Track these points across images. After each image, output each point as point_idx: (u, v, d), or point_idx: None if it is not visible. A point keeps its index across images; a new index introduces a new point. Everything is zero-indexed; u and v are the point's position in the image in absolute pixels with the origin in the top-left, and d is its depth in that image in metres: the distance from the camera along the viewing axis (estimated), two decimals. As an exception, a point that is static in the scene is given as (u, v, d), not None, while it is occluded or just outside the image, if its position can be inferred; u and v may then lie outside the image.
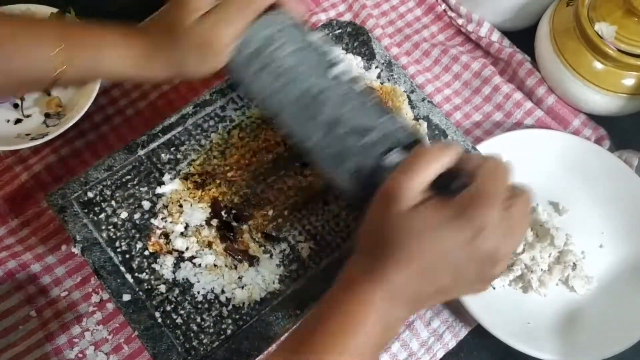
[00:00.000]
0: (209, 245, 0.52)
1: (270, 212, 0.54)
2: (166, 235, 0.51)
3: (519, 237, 0.39)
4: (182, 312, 0.50)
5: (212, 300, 0.50)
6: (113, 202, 0.53)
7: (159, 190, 0.53)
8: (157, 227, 0.52)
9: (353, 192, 0.45)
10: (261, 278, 0.51)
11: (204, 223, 0.52)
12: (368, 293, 0.37)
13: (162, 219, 0.52)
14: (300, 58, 0.46)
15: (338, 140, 0.44)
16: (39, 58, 0.45)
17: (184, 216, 0.52)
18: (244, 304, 0.50)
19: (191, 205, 0.53)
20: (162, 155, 0.55)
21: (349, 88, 0.46)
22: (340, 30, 0.61)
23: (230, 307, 0.50)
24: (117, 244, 0.51)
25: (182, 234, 0.52)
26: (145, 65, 0.47)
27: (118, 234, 0.52)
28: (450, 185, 0.39)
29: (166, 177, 0.54)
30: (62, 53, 0.44)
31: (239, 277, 0.51)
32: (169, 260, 0.51)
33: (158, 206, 0.53)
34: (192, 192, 0.53)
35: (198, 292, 0.50)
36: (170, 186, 0.53)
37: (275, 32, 0.46)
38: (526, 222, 0.40)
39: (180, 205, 0.53)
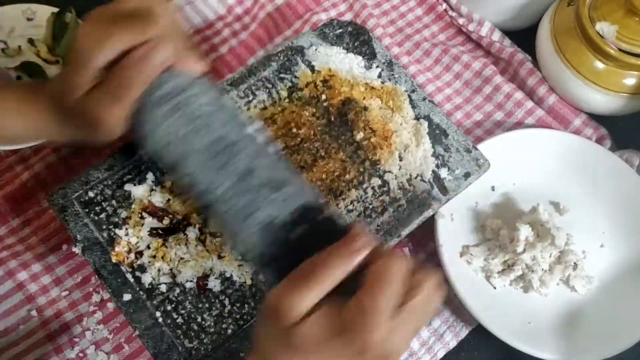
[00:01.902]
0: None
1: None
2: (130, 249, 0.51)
3: (417, 329, 0.38)
4: (182, 311, 0.50)
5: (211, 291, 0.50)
6: (114, 202, 0.53)
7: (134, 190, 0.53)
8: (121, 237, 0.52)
9: (259, 248, 0.40)
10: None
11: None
12: None
13: (126, 229, 0.52)
14: (216, 109, 0.43)
15: (249, 191, 0.41)
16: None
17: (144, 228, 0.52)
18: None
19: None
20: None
21: (264, 145, 0.44)
22: (341, 30, 0.61)
23: (230, 306, 0.50)
24: (118, 243, 0.51)
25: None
26: (46, 132, 0.47)
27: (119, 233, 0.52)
28: (357, 278, 0.36)
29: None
30: None
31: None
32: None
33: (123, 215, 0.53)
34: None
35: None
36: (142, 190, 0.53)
37: (189, 82, 0.43)
38: (426, 312, 0.37)
39: (142, 217, 0.52)
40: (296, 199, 0.41)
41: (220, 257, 0.51)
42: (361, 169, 0.55)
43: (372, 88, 0.59)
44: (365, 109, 0.57)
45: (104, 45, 0.40)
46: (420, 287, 0.36)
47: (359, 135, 0.56)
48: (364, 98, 0.58)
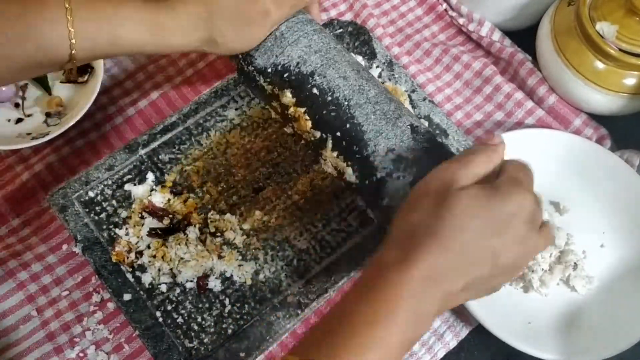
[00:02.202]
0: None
1: (272, 212, 0.54)
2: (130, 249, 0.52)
3: (538, 233, 0.40)
4: (182, 311, 0.50)
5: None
6: (114, 202, 0.53)
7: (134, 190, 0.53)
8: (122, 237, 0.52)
9: (407, 143, 0.45)
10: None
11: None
12: (400, 282, 0.36)
13: (126, 229, 0.52)
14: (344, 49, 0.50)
15: (391, 100, 0.46)
16: (53, 37, 0.43)
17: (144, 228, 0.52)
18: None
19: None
20: (163, 154, 0.55)
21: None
22: (341, 30, 0.61)
23: (230, 306, 0.50)
24: (118, 243, 0.51)
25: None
26: (168, 39, 0.46)
27: (119, 233, 0.52)
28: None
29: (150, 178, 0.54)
30: (76, 30, 0.43)
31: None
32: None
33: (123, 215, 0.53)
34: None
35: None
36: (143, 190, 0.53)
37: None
38: (541, 218, 0.41)
39: (142, 217, 0.53)
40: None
41: (220, 257, 0.51)
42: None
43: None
44: None
45: None
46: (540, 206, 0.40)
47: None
48: None
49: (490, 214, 0.37)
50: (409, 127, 0.45)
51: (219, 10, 0.46)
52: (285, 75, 0.48)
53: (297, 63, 0.48)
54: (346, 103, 0.46)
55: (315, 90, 0.47)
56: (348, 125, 0.46)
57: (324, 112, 0.47)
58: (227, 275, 0.51)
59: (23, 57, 0.43)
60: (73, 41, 0.43)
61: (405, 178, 0.44)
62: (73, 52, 0.44)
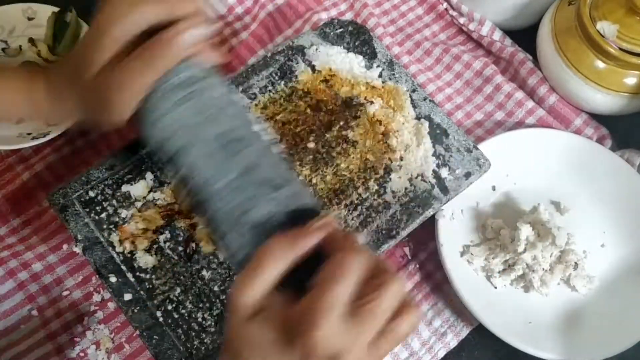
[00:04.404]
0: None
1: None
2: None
3: (371, 333, 0.33)
4: (183, 311, 0.50)
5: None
6: (114, 202, 0.53)
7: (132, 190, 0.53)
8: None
9: (247, 249, 0.38)
10: None
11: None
12: None
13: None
14: (226, 103, 0.43)
15: (248, 188, 0.40)
16: None
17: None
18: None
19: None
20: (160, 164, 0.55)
21: (268, 144, 0.43)
22: (341, 29, 0.61)
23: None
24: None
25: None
26: (49, 113, 0.45)
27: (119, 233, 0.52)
28: (321, 267, 0.34)
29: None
30: None
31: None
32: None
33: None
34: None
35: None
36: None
37: (203, 73, 0.42)
38: (384, 314, 0.33)
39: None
40: (293, 201, 0.40)
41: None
42: (362, 169, 0.55)
43: (373, 87, 0.59)
44: (367, 108, 0.57)
45: (127, 17, 0.38)
46: (381, 289, 0.32)
47: (360, 135, 0.56)
48: (365, 97, 0.58)
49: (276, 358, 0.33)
50: (250, 227, 0.39)
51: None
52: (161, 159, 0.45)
53: (162, 147, 0.42)
54: (196, 198, 0.42)
55: (176, 178, 0.43)
56: (204, 223, 0.43)
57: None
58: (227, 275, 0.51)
59: None
60: None
61: None
62: None
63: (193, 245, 0.52)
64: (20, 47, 0.64)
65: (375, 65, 0.60)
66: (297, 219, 0.39)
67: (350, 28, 0.62)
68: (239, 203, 0.39)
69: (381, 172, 0.55)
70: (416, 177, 0.55)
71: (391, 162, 0.55)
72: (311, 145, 0.56)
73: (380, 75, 0.60)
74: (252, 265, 0.34)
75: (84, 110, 0.44)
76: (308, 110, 0.57)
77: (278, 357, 0.33)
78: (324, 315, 0.31)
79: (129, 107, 0.41)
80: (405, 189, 0.54)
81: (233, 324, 0.34)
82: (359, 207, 0.54)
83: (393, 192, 0.54)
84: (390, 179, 0.55)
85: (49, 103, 0.45)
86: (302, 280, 0.35)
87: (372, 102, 0.57)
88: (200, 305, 0.50)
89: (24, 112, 0.45)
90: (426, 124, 0.57)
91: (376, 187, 0.54)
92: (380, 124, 0.57)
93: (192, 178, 0.41)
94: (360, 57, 0.60)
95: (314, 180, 0.54)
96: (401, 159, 0.56)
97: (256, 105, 0.58)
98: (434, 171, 0.55)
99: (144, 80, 0.40)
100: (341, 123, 0.57)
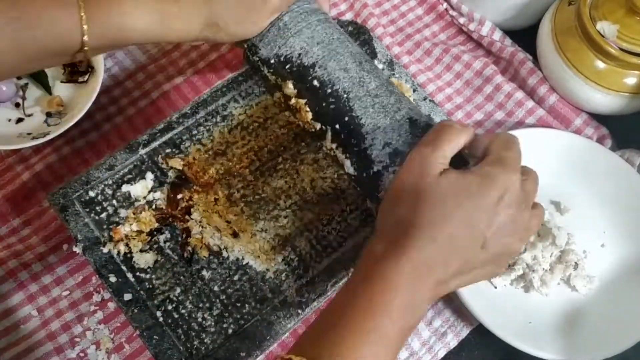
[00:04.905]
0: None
1: (273, 212, 0.54)
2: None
3: (530, 213, 0.40)
4: (183, 311, 0.50)
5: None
6: (114, 202, 0.53)
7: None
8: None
9: (404, 138, 0.44)
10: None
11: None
12: (393, 272, 0.36)
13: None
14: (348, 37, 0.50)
15: (392, 92, 0.46)
16: (65, 23, 0.42)
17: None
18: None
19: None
20: (163, 154, 0.55)
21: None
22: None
23: (230, 306, 0.50)
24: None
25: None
26: (173, 24, 0.46)
27: (119, 233, 0.52)
28: (464, 168, 0.40)
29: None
30: (88, 16, 0.42)
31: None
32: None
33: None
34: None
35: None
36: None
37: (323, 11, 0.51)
38: (534, 197, 0.40)
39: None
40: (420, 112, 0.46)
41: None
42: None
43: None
44: None
45: None
46: (531, 173, 0.41)
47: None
48: None
49: (473, 202, 0.37)
50: (407, 120, 0.45)
51: None
52: (287, 67, 0.49)
53: (299, 55, 0.48)
54: (345, 96, 0.46)
55: (315, 83, 0.47)
56: (347, 118, 0.46)
57: (324, 104, 0.47)
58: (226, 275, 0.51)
59: (34, 43, 0.42)
60: (85, 27, 0.43)
61: None
62: (85, 38, 0.43)
63: (190, 249, 0.52)
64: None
65: (375, 62, 0.60)
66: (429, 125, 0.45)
67: (350, 28, 0.62)
68: (393, 102, 0.46)
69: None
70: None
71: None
72: (312, 145, 0.56)
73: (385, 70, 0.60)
74: (437, 136, 0.40)
75: (220, 17, 0.47)
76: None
77: (472, 200, 0.37)
78: (517, 165, 0.39)
79: (267, 19, 0.48)
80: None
81: (418, 182, 0.38)
82: (359, 208, 0.54)
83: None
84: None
85: (175, 14, 0.46)
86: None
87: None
88: (200, 305, 0.50)
89: (145, 25, 0.45)
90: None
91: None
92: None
93: (340, 80, 0.47)
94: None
95: (314, 181, 0.55)
96: None
97: (256, 105, 0.58)
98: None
99: None
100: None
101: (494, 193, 0.37)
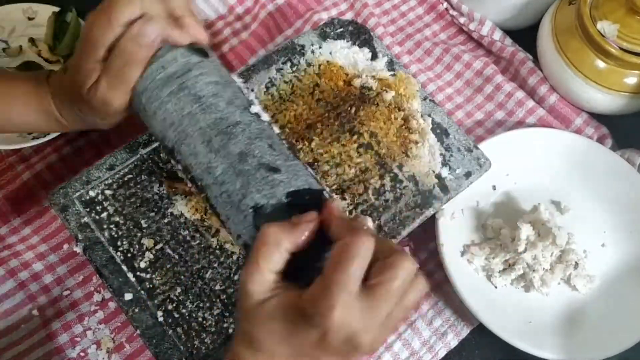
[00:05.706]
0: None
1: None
2: None
3: (394, 319, 0.34)
4: (183, 310, 0.50)
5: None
6: (115, 201, 0.53)
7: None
8: None
9: (250, 232, 0.39)
10: None
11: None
12: None
13: None
14: (221, 89, 0.43)
15: (246, 173, 0.40)
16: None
17: None
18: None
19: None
20: (164, 154, 0.55)
21: (266, 126, 0.43)
22: (341, 29, 0.61)
23: (230, 305, 0.50)
24: (119, 242, 0.51)
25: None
26: (57, 119, 0.47)
27: (120, 233, 0.52)
28: (325, 254, 0.35)
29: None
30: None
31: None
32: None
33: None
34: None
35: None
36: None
37: (195, 62, 0.42)
38: (402, 298, 0.34)
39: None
40: (293, 183, 0.40)
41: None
42: (362, 169, 0.55)
43: (380, 79, 0.58)
44: (383, 96, 0.57)
45: (106, 24, 0.39)
46: (394, 268, 0.33)
47: (362, 133, 0.56)
48: (382, 87, 0.58)
49: (296, 342, 0.33)
50: (251, 210, 0.39)
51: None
52: (161, 146, 0.45)
53: (162, 138, 0.44)
54: (199, 184, 0.42)
55: (179, 167, 0.44)
56: (210, 207, 0.43)
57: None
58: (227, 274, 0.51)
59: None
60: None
61: None
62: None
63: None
64: (20, 47, 0.64)
65: (376, 62, 0.60)
66: (300, 199, 0.39)
67: (350, 28, 0.62)
68: (237, 189, 0.40)
69: (381, 172, 0.55)
70: (417, 177, 0.55)
71: (392, 161, 0.55)
72: (314, 144, 0.55)
73: (387, 67, 0.60)
74: (253, 253, 0.35)
75: (85, 118, 0.46)
76: (309, 109, 0.57)
77: (294, 339, 0.33)
78: (340, 295, 0.32)
79: (123, 108, 0.43)
80: (405, 188, 0.54)
81: (245, 309, 0.35)
82: (360, 207, 0.54)
83: (393, 191, 0.54)
84: (390, 178, 0.54)
85: (56, 111, 0.47)
86: (311, 268, 0.35)
87: (386, 91, 0.57)
88: (201, 304, 0.50)
89: (32, 119, 0.47)
90: (429, 120, 0.57)
91: (376, 187, 0.54)
92: (399, 110, 0.56)
93: (192, 167, 0.42)
94: (366, 49, 0.60)
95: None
96: (416, 142, 0.56)
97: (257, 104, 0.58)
98: (434, 170, 0.55)
99: (125, 84, 0.41)
100: (344, 120, 0.56)
101: (313, 335, 0.33)
